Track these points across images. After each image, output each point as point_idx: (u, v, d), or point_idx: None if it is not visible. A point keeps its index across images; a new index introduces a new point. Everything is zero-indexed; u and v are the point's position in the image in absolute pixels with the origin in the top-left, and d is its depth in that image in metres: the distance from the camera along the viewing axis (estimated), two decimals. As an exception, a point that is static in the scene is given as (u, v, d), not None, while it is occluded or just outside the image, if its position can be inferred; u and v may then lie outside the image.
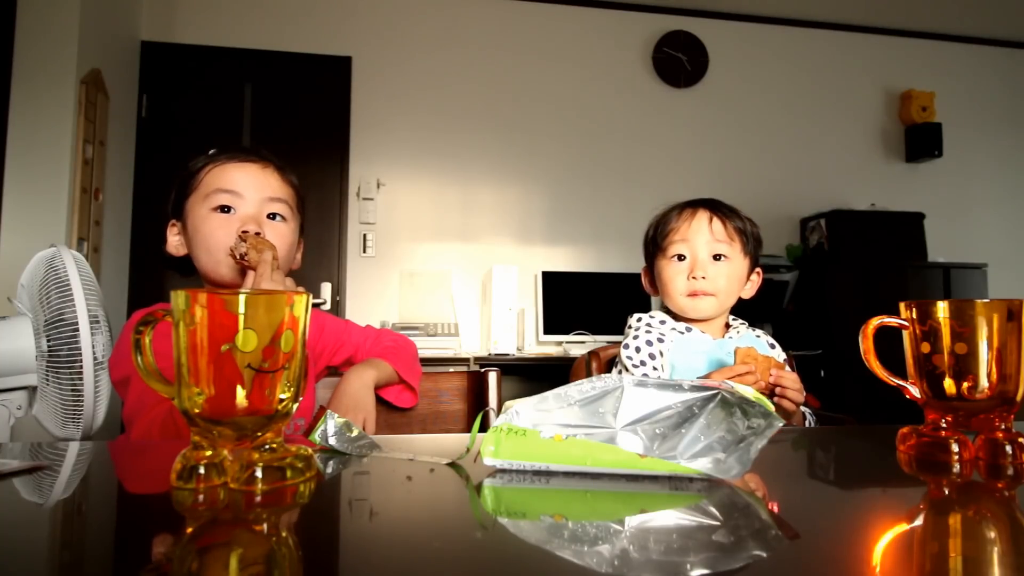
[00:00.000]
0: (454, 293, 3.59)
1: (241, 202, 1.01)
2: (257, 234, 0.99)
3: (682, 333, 1.20)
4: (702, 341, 1.19)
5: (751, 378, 1.03)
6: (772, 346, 1.24)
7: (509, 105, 3.79)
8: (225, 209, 1.00)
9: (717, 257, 1.19)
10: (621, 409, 0.51)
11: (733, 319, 1.27)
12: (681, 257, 1.20)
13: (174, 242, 1.06)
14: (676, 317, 1.23)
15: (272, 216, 1.03)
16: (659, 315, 1.25)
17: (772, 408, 0.49)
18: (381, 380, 1.06)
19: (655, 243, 1.26)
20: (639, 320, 1.25)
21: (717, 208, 1.23)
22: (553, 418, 0.52)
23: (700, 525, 0.42)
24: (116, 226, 3.09)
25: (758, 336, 1.25)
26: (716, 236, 1.19)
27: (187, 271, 1.07)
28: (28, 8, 2.55)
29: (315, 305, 1.00)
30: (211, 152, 1.06)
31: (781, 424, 0.49)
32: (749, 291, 1.27)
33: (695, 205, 1.24)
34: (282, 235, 1.03)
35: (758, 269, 1.28)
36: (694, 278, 1.18)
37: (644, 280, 1.32)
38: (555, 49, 3.87)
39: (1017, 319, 0.57)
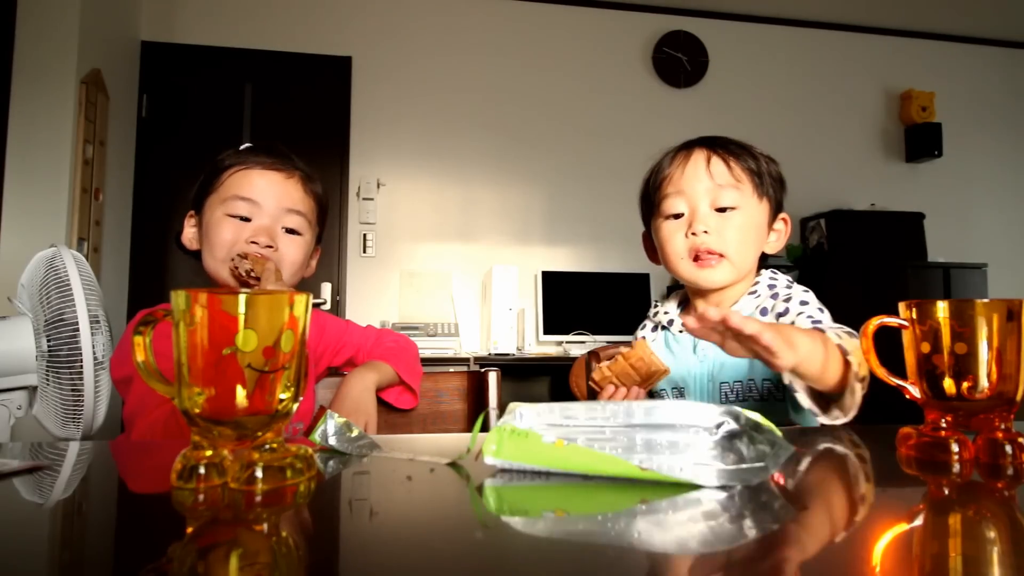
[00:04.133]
0: (454, 293, 3.59)
1: (258, 212, 1.00)
2: (269, 246, 0.99)
3: (667, 328, 1.05)
4: (681, 338, 1.02)
5: (619, 396, 0.89)
6: (795, 302, 0.96)
7: (509, 105, 3.79)
8: (242, 217, 0.99)
9: (723, 210, 0.95)
10: (626, 425, 0.51)
11: (754, 286, 1.00)
12: (679, 215, 0.98)
13: (189, 234, 1.06)
14: (686, 300, 1.06)
15: (288, 230, 1.02)
16: (668, 304, 1.09)
17: (780, 434, 0.49)
18: (382, 382, 1.05)
19: (648, 199, 1.05)
20: (652, 309, 1.12)
21: (717, 145, 0.98)
22: (556, 423, 0.53)
23: (700, 520, 0.42)
24: (116, 226, 3.09)
25: (767, 299, 0.98)
26: (717, 180, 0.95)
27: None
28: (28, 8, 2.55)
29: (315, 305, 1.00)
30: (242, 147, 1.05)
31: (791, 452, 0.49)
32: (775, 244, 1.02)
33: (690, 146, 1.01)
34: (295, 247, 1.02)
35: (784, 215, 1.03)
36: (694, 234, 0.95)
37: (644, 247, 1.11)
38: (555, 49, 3.87)
39: (1017, 319, 0.57)
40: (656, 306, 1.12)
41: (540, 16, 3.88)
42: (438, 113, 3.72)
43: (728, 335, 0.66)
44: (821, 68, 4.18)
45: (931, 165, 4.22)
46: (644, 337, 1.02)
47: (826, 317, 0.92)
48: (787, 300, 0.97)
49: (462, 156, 3.72)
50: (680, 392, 1.02)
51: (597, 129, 3.87)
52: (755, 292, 1.00)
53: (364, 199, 3.58)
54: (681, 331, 1.03)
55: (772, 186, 0.99)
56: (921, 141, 4.11)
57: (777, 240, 1.02)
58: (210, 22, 3.54)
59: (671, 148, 1.04)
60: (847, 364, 0.74)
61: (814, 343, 0.71)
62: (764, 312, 0.98)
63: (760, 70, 4.10)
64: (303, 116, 3.56)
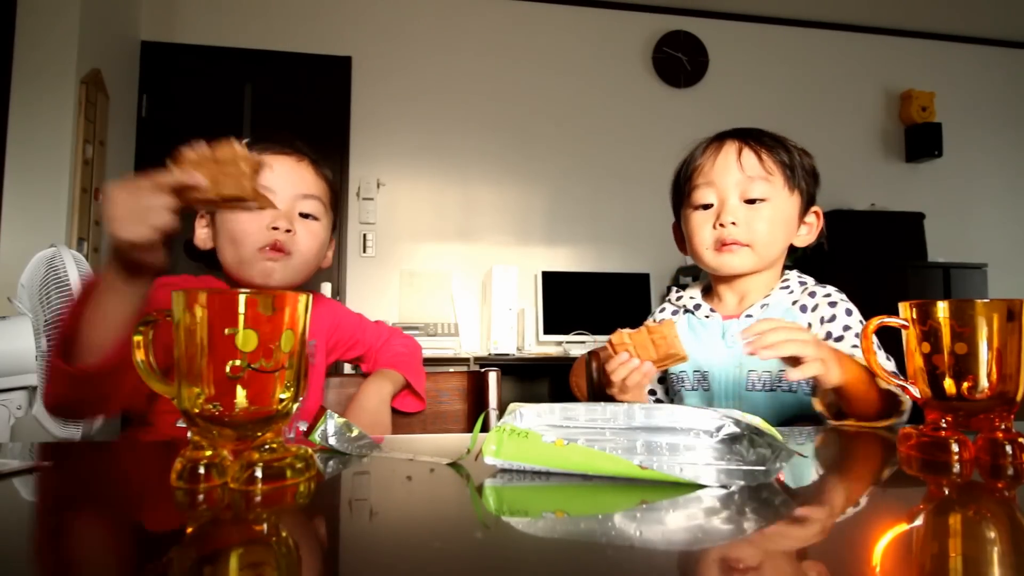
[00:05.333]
0: (454, 293, 3.59)
1: (273, 198, 0.94)
2: (288, 230, 0.96)
3: (692, 312, 1.04)
4: (708, 323, 1.01)
5: (622, 371, 0.86)
6: (827, 306, 0.98)
7: (509, 105, 3.79)
8: None
9: (752, 202, 0.95)
10: (626, 427, 0.51)
11: (784, 281, 1.02)
12: (708, 206, 0.97)
13: (202, 235, 1.03)
14: (709, 288, 1.07)
15: (304, 215, 0.99)
16: (691, 291, 1.09)
17: (781, 438, 0.49)
18: (395, 392, 1.08)
19: (678, 189, 1.04)
20: (670, 294, 1.12)
21: (750, 137, 0.99)
22: (557, 424, 0.53)
23: (700, 520, 0.42)
24: (116, 226, 3.09)
25: (805, 296, 0.99)
26: (748, 172, 0.95)
27: (213, 263, 1.04)
28: (28, 8, 2.55)
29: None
30: (244, 142, 1.03)
31: (791, 455, 0.49)
32: (807, 237, 1.02)
33: (722, 137, 1.01)
34: (314, 234, 0.99)
35: (816, 208, 1.02)
36: (722, 225, 0.95)
37: (675, 237, 1.10)
38: (555, 49, 3.87)
39: (1017, 319, 0.57)
40: (679, 291, 1.12)
41: (540, 16, 3.88)
42: (438, 113, 3.72)
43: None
44: (821, 68, 4.17)
45: (931, 165, 4.22)
46: (672, 319, 1.00)
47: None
48: (832, 305, 0.98)
49: (462, 156, 3.72)
50: (703, 376, 1.00)
51: (597, 129, 3.86)
52: (787, 287, 1.01)
53: (364, 199, 3.58)
54: (708, 316, 1.02)
55: (804, 179, 0.99)
56: (921, 141, 4.11)
57: (808, 233, 1.02)
58: (210, 22, 3.53)
59: (703, 139, 1.04)
60: (894, 404, 0.80)
61: (861, 375, 0.79)
62: (804, 309, 0.99)
63: (760, 70, 4.10)
64: (303, 116, 3.56)
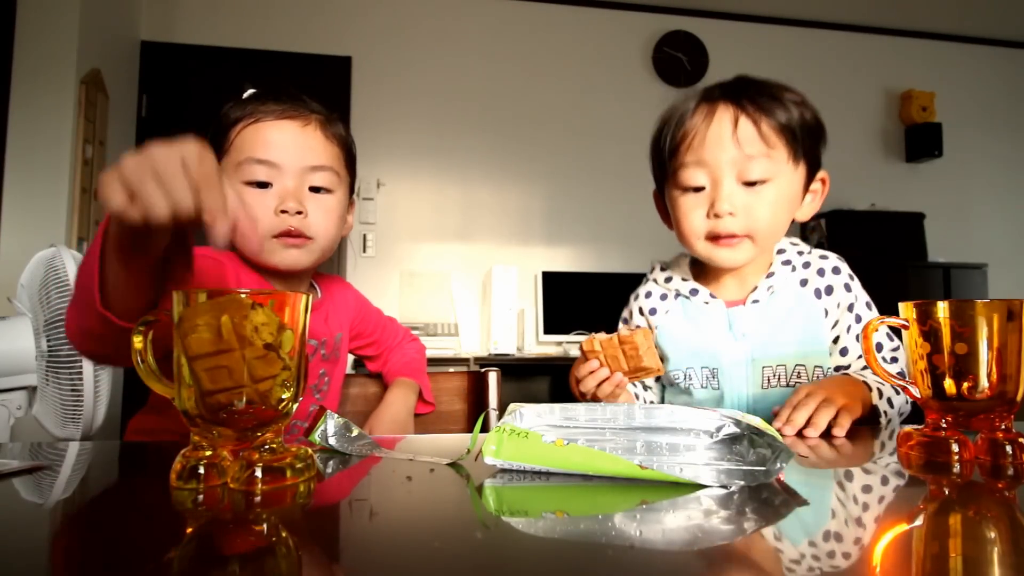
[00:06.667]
0: (454, 293, 3.59)
1: (278, 175, 0.86)
2: (299, 212, 0.87)
3: (687, 298, 0.93)
4: (709, 311, 0.91)
5: (590, 381, 0.79)
6: (827, 292, 0.90)
7: (509, 105, 3.79)
8: (261, 183, 0.86)
9: (752, 184, 0.82)
10: (626, 427, 0.52)
11: (780, 253, 0.93)
12: (699, 189, 0.84)
13: None
14: (697, 261, 0.96)
15: (316, 189, 0.89)
16: (679, 271, 0.97)
17: (780, 437, 0.49)
18: (416, 402, 1.10)
19: (659, 158, 0.89)
20: (652, 272, 1.01)
21: (744, 99, 0.85)
22: (557, 424, 0.53)
23: (700, 520, 0.42)
24: (116, 226, 3.09)
25: (814, 275, 0.89)
26: (746, 149, 0.81)
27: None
28: (28, 8, 2.55)
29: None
30: (246, 95, 0.91)
31: (791, 456, 0.49)
32: (810, 208, 0.89)
33: (713, 97, 0.86)
34: (329, 210, 0.89)
35: (822, 174, 0.89)
36: (717, 216, 0.83)
37: (656, 206, 0.97)
38: (555, 49, 3.87)
39: (1017, 319, 0.57)
40: (665, 271, 0.99)
41: (540, 16, 3.88)
42: (438, 113, 3.72)
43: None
44: (821, 68, 4.17)
45: (931, 165, 4.22)
46: (643, 327, 0.90)
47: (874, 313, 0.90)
48: (846, 289, 0.90)
49: (462, 156, 3.72)
50: (712, 373, 0.91)
51: (597, 129, 3.86)
52: (788, 263, 0.92)
53: (364, 199, 3.58)
54: (707, 303, 0.92)
55: (808, 140, 0.85)
56: (921, 141, 4.11)
57: (812, 202, 0.89)
58: (210, 22, 3.53)
59: (688, 93, 0.89)
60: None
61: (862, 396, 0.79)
62: (819, 294, 0.90)
63: (760, 70, 4.06)
64: (303, 116, 3.56)
